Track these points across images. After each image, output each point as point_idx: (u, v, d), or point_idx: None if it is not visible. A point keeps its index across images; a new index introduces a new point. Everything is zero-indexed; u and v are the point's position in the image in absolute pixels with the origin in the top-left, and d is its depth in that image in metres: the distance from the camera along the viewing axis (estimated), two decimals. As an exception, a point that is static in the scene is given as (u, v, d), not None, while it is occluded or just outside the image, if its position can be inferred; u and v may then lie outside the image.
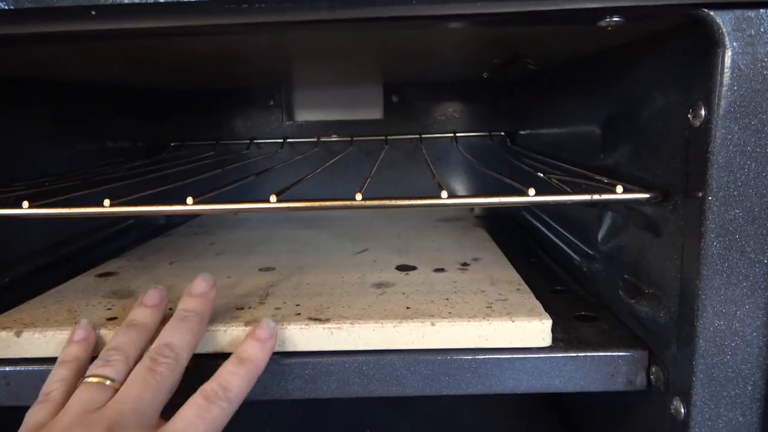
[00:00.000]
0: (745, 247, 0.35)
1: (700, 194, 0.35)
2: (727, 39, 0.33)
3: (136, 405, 0.35)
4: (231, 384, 0.38)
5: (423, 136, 0.94)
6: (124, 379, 0.37)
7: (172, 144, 0.97)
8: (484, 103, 0.96)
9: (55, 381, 0.38)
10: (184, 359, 0.39)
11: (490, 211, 0.97)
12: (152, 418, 0.36)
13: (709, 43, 0.34)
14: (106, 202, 0.40)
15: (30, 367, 0.43)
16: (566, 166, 0.59)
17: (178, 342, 0.39)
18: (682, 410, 0.38)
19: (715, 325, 0.36)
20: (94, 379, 0.37)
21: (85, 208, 0.41)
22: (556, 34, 0.44)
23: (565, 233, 0.66)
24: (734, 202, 0.35)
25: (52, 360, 0.42)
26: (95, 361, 0.39)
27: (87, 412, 0.35)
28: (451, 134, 0.95)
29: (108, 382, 0.37)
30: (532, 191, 0.40)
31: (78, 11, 0.33)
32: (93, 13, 0.33)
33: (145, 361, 0.38)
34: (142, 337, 0.40)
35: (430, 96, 0.96)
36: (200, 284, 0.43)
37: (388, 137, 0.93)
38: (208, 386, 0.37)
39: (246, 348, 0.40)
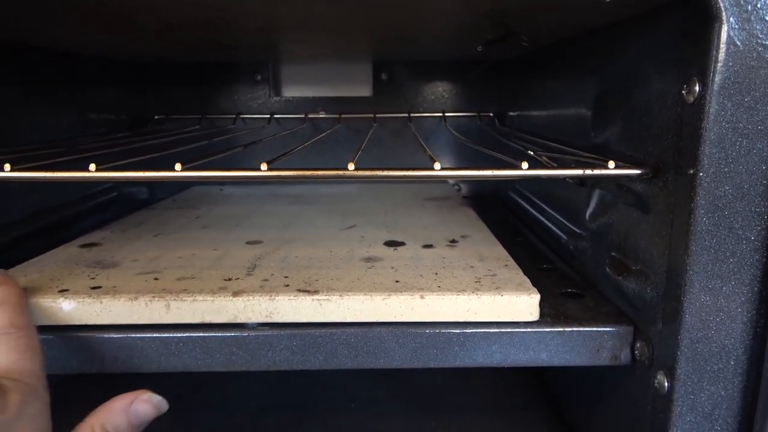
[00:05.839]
0: (734, 224, 0.35)
1: (692, 171, 0.35)
2: (723, 14, 0.33)
3: None
4: None
5: (412, 115, 0.94)
6: None
7: (156, 117, 0.95)
8: (474, 83, 0.95)
9: None
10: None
11: (477, 191, 0.97)
12: None
13: (706, 18, 0.34)
14: (92, 166, 0.39)
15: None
16: (555, 145, 0.59)
17: None
18: (666, 384, 0.39)
19: (701, 300, 0.37)
20: None
21: (69, 172, 0.40)
22: (553, 6, 0.44)
23: (552, 212, 0.66)
24: (724, 178, 0.35)
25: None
26: None
27: None
28: (440, 114, 0.94)
29: None
30: (525, 165, 0.40)
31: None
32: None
33: None
34: None
35: (419, 75, 0.95)
36: None
37: (377, 115, 0.93)
38: None
39: None
